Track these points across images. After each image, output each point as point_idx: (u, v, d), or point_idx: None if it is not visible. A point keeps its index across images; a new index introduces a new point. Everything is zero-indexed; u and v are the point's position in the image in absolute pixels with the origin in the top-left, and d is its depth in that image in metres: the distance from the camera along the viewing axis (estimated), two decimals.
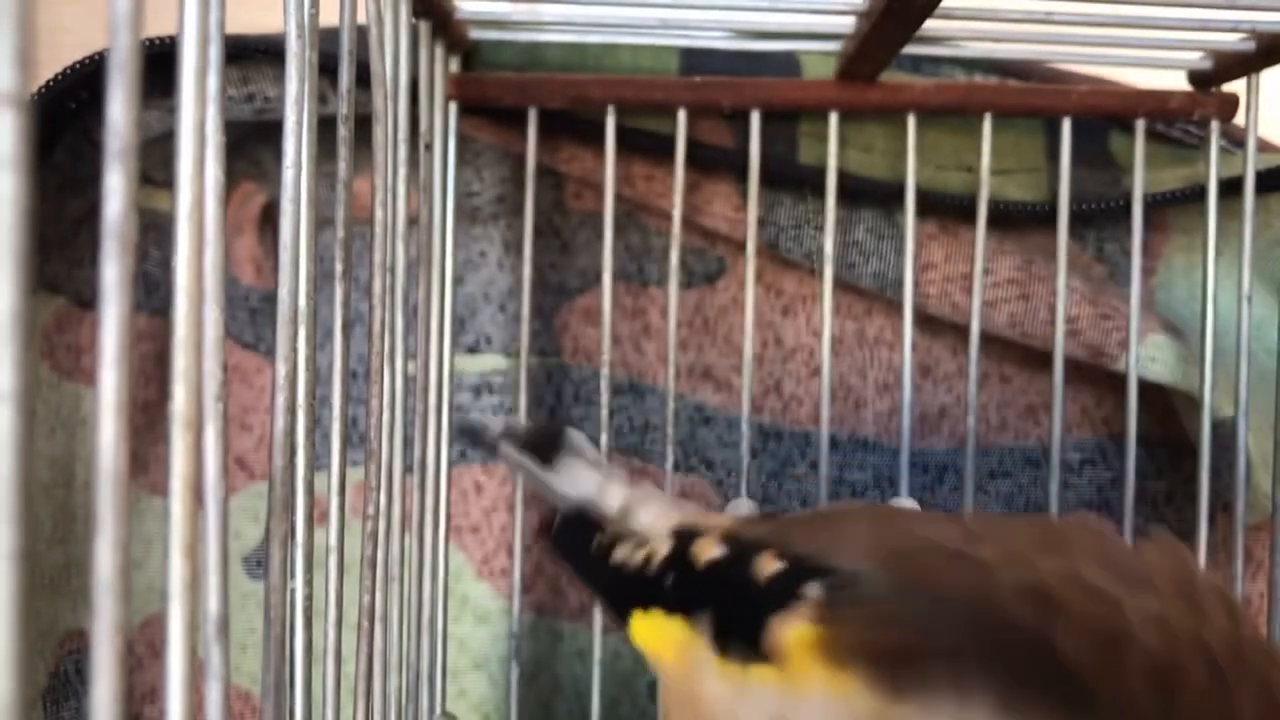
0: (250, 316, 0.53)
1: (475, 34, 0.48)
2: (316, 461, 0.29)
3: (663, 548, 0.35)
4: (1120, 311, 0.50)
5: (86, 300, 0.50)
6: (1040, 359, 0.52)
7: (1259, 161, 0.47)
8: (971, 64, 0.51)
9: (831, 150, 0.48)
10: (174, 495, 0.20)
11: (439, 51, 0.46)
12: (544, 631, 0.55)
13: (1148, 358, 0.49)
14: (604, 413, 0.49)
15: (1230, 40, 0.46)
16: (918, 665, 0.26)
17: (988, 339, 0.51)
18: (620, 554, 0.37)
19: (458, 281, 0.53)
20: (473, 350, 0.54)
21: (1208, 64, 0.48)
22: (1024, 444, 0.55)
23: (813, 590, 0.29)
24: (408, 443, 0.43)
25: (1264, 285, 0.51)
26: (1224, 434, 0.48)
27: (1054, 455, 0.49)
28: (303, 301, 0.28)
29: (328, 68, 0.43)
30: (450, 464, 0.49)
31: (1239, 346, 0.47)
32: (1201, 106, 0.48)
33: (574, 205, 0.54)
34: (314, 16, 0.28)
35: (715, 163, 0.50)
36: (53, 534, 0.48)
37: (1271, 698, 0.26)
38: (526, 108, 0.49)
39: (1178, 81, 0.50)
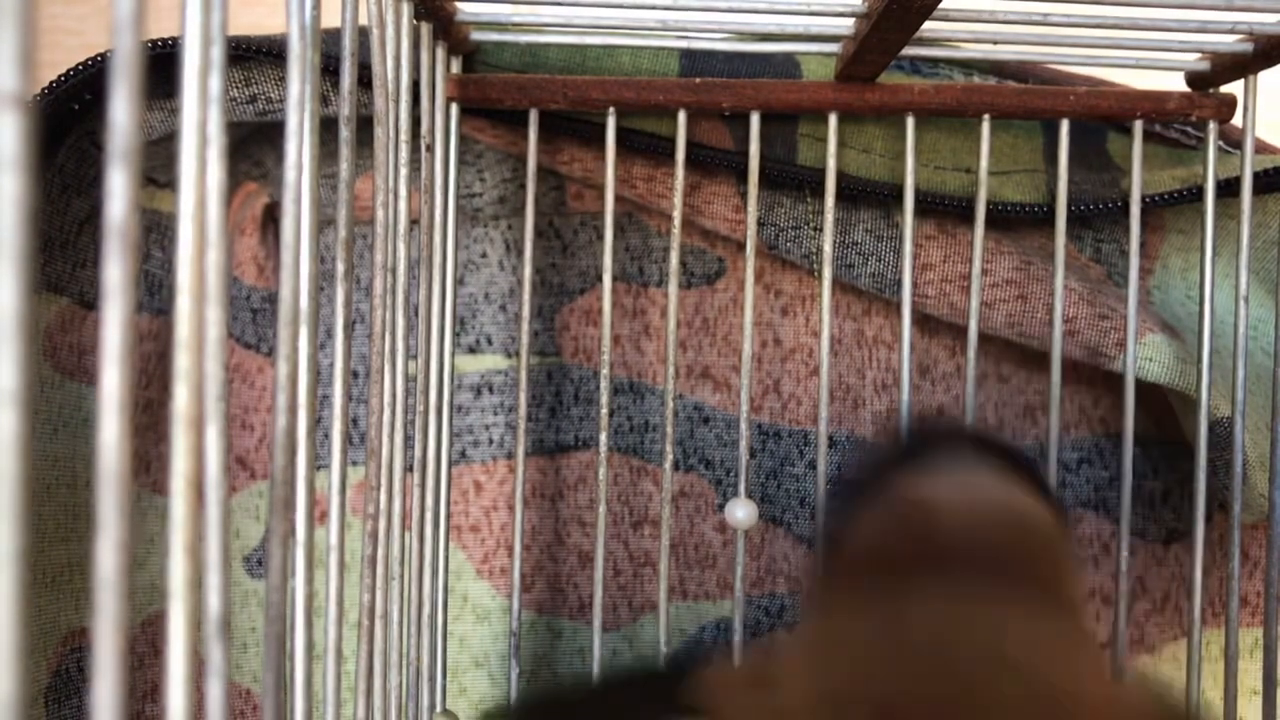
0: (252, 317, 0.54)
1: (476, 36, 0.48)
2: (318, 461, 0.29)
3: None
4: (1117, 311, 0.50)
5: (89, 300, 0.50)
6: (1038, 359, 0.53)
7: (1256, 162, 0.48)
8: (970, 65, 0.51)
9: (830, 151, 0.49)
10: (176, 494, 0.20)
11: (440, 53, 0.46)
12: (543, 630, 0.55)
13: (1145, 358, 0.49)
14: (604, 413, 0.49)
15: (1228, 42, 0.46)
16: None
17: (985, 339, 0.52)
18: None
19: (459, 282, 0.54)
20: (473, 350, 0.54)
21: (1205, 65, 0.48)
22: (1021, 443, 0.55)
23: None
24: (408, 442, 0.43)
25: (1261, 286, 0.51)
26: (1221, 433, 0.48)
27: (1051, 454, 0.49)
28: (304, 301, 0.28)
29: (330, 69, 0.43)
30: (450, 463, 0.49)
31: (1236, 346, 0.47)
32: (1199, 108, 0.48)
33: (574, 206, 0.55)
34: (316, 18, 0.29)
35: (715, 164, 0.51)
36: (55, 533, 0.49)
37: None
38: (527, 109, 0.49)
39: (1175, 83, 0.50)
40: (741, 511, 0.48)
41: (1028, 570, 0.27)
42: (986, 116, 0.49)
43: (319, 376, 0.29)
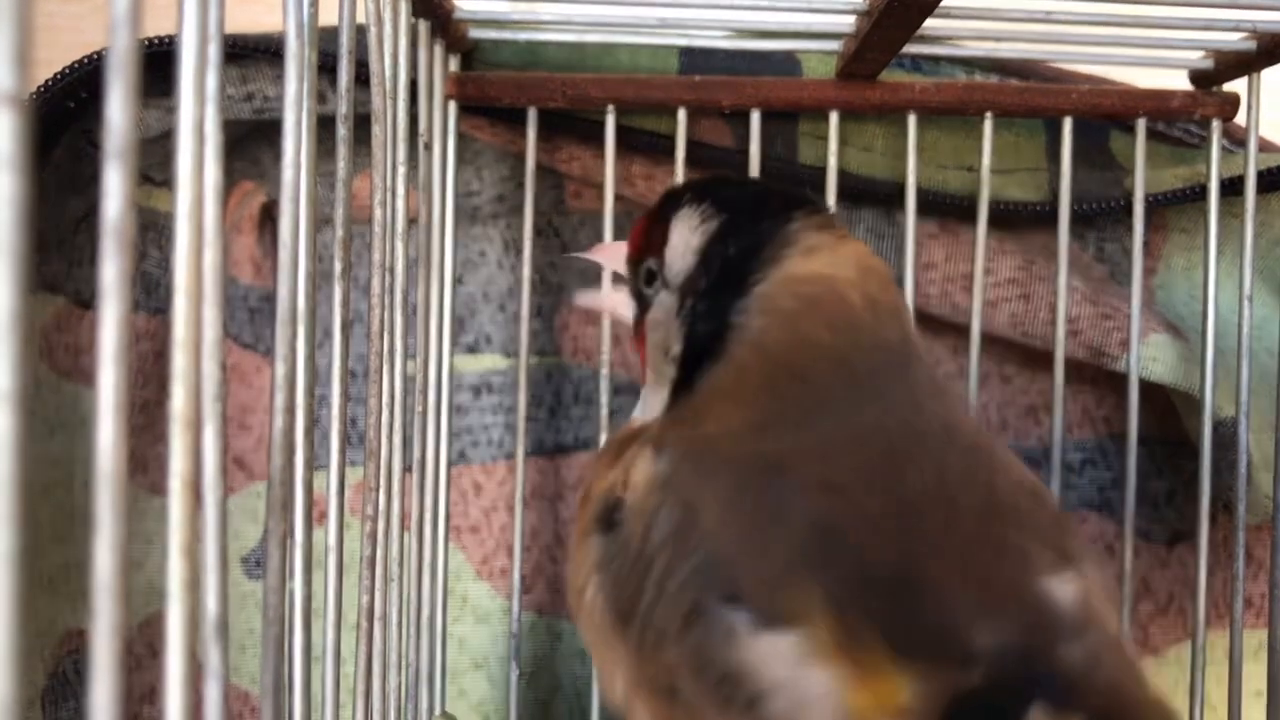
0: (249, 316, 0.53)
1: (474, 33, 0.48)
2: (316, 461, 0.29)
3: None
4: (1121, 311, 0.50)
5: (86, 300, 0.50)
6: (1041, 359, 0.52)
7: (1259, 161, 0.47)
8: (972, 63, 0.51)
9: (832, 149, 0.48)
10: (173, 495, 0.20)
11: (438, 51, 0.46)
12: (544, 631, 0.55)
13: (1149, 357, 0.49)
14: (604, 413, 0.49)
15: (1231, 40, 0.46)
16: None
17: (988, 339, 0.51)
18: None
19: (457, 281, 0.53)
20: (472, 350, 0.54)
21: (1208, 64, 0.48)
22: (1024, 444, 0.55)
23: None
24: (407, 442, 0.43)
25: (1265, 285, 0.50)
26: (1225, 434, 0.48)
27: (1055, 455, 0.49)
28: (301, 301, 0.28)
29: (327, 67, 0.43)
30: (449, 464, 0.49)
31: (1240, 346, 0.46)
32: (1202, 106, 0.48)
33: (574, 205, 0.54)
34: (313, 16, 0.28)
35: (715, 162, 0.50)
36: (52, 534, 0.48)
37: None
38: (526, 107, 0.49)
39: (1179, 81, 0.49)
40: None
41: (909, 342, 0.35)
42: (989, 114, 0.49)
43: (317, 376, 0.29)
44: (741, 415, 0.33)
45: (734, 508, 0.30)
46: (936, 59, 0.50)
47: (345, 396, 0.32)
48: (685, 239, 0.35)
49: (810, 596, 0.27)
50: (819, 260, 0.34)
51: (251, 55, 0.47)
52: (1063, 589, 0.28)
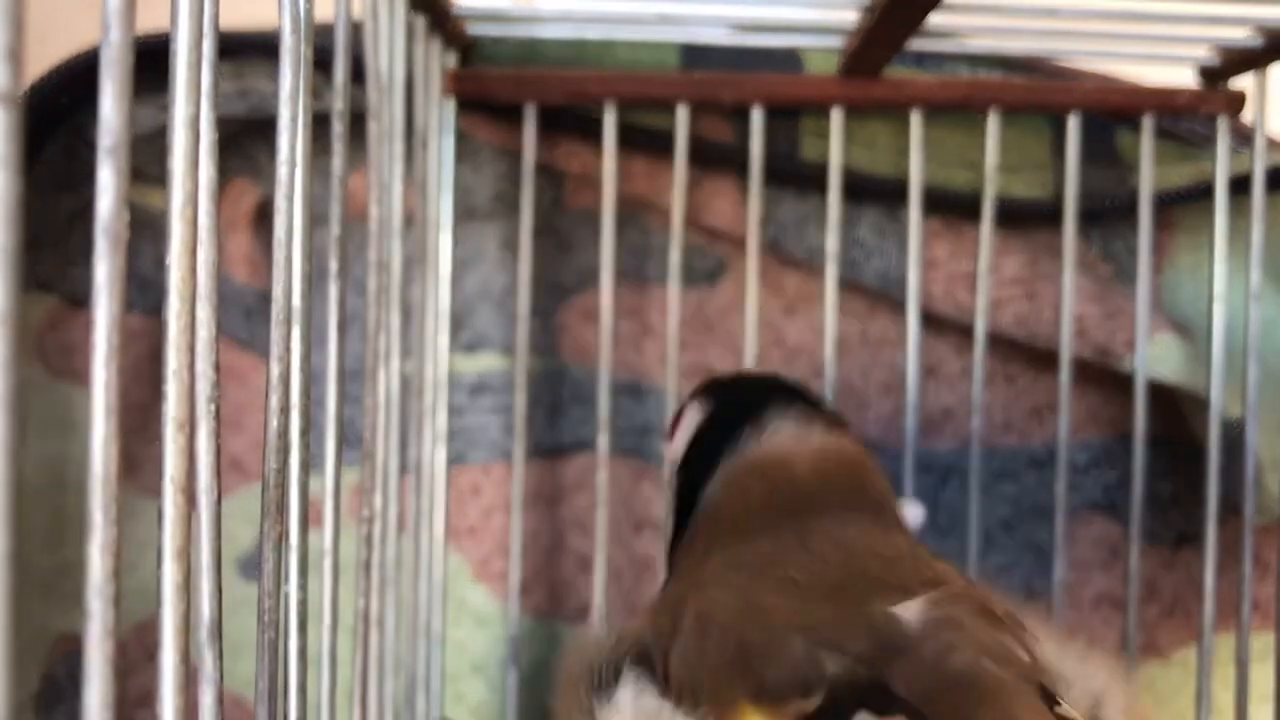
0: (245, 316, 0.53)
1: (473, 29, 0.48)
2: (312, 462, 0.29)
3: None
4: (1126, 311, 0.49)
5: (80, 299, 0.49)
6: (1045, 359, 0.52)
7: (1267, 159, 0.47)
8: (976, 60, 0.50)
9: (835, 147, 0.48)
10: (165, 497, 0.20)
11: (435, 47, 0.45)
12: (543, 634, 0.54)
13: (1155, 358, 0.49)
14: (603, 413, 0.49)
15: (1238, 36, 0.46)
16: None
17: (992, 339, 0.51)
18: None
19: (455, 280, 0.53)
20: (470, 349, 0.54)
21: (1215, 60, 0.48)
22: (1029, 445, 0.54)
23: None
24: (404, 443, 0.43)
25: (1272, 284, 0.50)
26: (1232, 435, 0.47)
27: (1061, 456, 0.49)
28: (297, 300, 0.27)
29: (323, 63, 0.42)
30: (448, 464, 0.48)
31: (1247, 346, 0.46)
32: (1209, 103, 0.48)
33: (572, 203, 0.54)
34: (309, 11, 0.28)
35: (716, 159, 0.50)
36: (45, 536, 0.48)
37: None
38: (524, 104, 0.48)
39: (1185, 78, 0.49)
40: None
41: (861, 495, 0.38)
42: (993, 111, 0.48)
43: (313, 376, 0.28)
44: (695, 559, 0.38)
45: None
46: (940, 55, 0.50)
47: (342, 396, 0.32)
48: (686, 426, 0.42)
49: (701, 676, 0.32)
50: (776, 442, 0.39)
51: (246, 51, 0.47)
52: (908, 610, 0.32)
